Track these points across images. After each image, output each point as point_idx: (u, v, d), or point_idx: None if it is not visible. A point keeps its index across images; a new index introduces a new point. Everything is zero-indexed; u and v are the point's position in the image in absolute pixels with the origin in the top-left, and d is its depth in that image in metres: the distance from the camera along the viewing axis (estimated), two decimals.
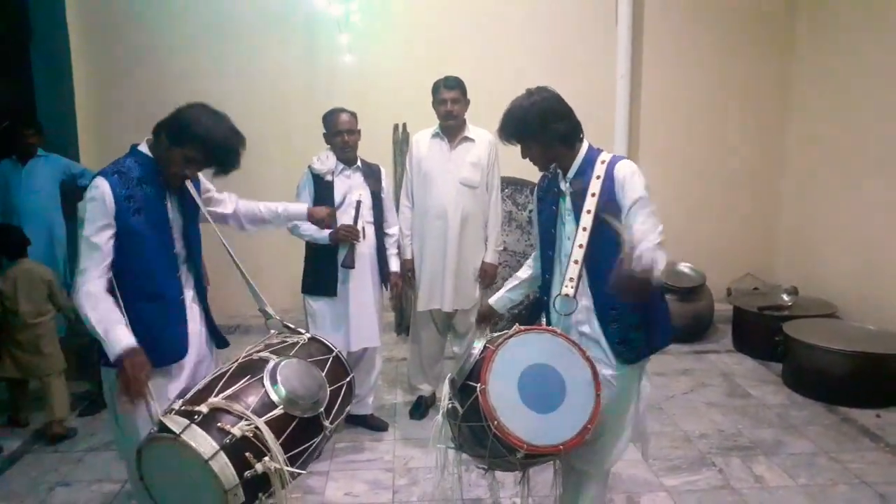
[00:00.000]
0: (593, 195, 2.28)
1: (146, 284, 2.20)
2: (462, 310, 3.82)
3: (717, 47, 5.64)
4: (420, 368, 4.00)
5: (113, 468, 3.42)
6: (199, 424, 1.85)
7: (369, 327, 3.62)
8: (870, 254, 4.78)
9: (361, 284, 3.57)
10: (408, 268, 3.85)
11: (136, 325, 2.10)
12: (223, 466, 1.81)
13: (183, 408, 1.93)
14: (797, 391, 4.27)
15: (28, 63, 5.26)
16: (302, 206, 2.99)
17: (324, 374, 2.19)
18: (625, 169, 2.28)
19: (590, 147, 2.38)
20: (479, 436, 2.09)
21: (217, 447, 1.81)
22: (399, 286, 3.81)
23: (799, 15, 5.59)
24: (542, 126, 2.27)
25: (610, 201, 2.26)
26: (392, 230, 3.76)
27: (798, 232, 5.69)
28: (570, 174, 2.36)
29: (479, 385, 2.04)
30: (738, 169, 5.82)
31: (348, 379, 2.31)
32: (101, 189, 2.09)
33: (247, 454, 1.86)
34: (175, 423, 1.86)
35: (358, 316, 3.56)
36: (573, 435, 2.05)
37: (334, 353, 2.32)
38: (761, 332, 4.83)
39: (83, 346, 4.64)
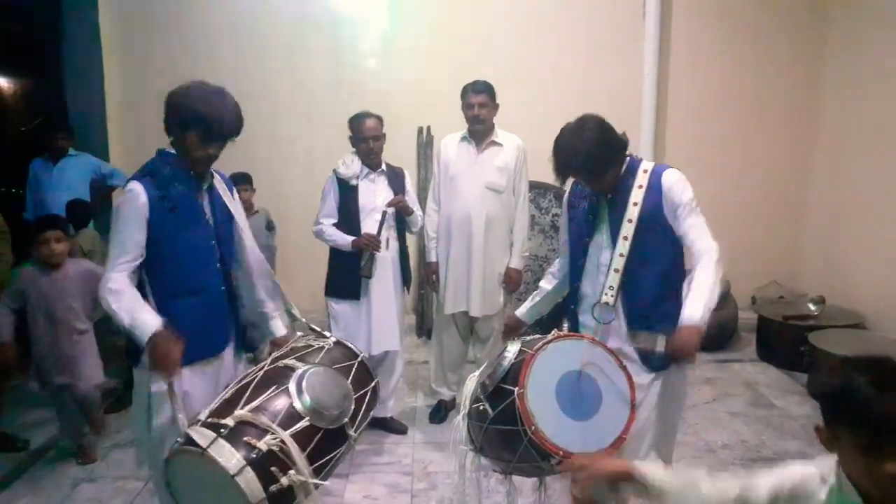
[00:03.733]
0: (635, 204, 2.28)
1: (188, 279, 2.25)
2: (485, 315, 3.81)
3: (745, 48, 5.57)
4: (441, 372, 4.00)
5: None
6: (226, 438, 1.85)
7: (391, 331, 3.64)
8: None
9: (384, 288, 3.58)
10: (432, 270, 3.86)
11: (180, 321, 2.15)
12: (249, 482, 1.80)
13: (209, 420, 1.93)
14: None
15: (59, 63, 5.35)
16: (278, 328, 2.57)
17: (349, 381, 2.17)
18: (673, 176, 2.31)
19: (631, 156, 2.37)
20: (509, 440, 2.06)
21: (244, 462, 1.81)
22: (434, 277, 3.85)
23: (830, 16, 5.50)
24: (612, 158, 2.27)
25: (654, 211, 2.27)
26: (415, 219, 3.72)
27: (825, 239, 5.60)
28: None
29: (517, 389, 2.01)
30: (765, 174, 5.75)
31: (373, 384, 2.29)
32: (135, 192, 2.15)
33: (272, 468, 1.85)
34: (202, 436, 1.86)
35: (379, 319, 3.58)
36: (608, 444, 2.03)
37: (359, 359, 2.30)
38: (786, 341, 4.76)
39: (113, 343, 4.72)
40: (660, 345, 2.20)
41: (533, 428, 1.96)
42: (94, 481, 3.36)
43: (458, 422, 2.28)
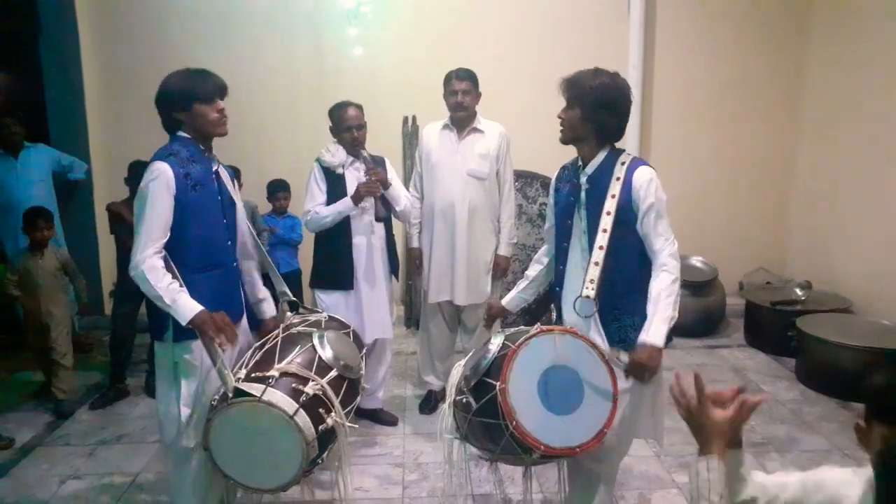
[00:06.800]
0: (613, 197, 2.27)
1: (207, 254, 2.37)
2: (471, 304, 3.79)
3: (729, 38, 5.56)
4: (430, 362, 3.98)
5: (124, 461, 3.44)
6: (274, 387, 2.09)
7: (382, 318, 3.61)
8: (885, 247, 4.72)
9: (373, 276, 3.55)
10: (414, 256, 3.85)
11: (199, 294, 2.24)
12: (305, 421, 2.05)
13: (253, 374, 2.16)
14: (810, 387, 4.23)
15: (37, 58, 5.26)
16: (270, 309, 2.73)
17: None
18: (643, 175, 2.27)
19: (613, 147, 2.36)
20: (492, 432, 2.07)
21: (297, 405, 2.05)
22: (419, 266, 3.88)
23: (814, 5, 5.51)
24: (598, 114, 2.26)
25: (627, 206, 2.27)
26: (401, 204, 3.62)
27: (811, 225, 5.62)
28: (590, 170, 2.34)
29: (498, 384, 2.02)
30: (751, 161, 5.75)
31: (365, 350, 2.66)
32: (162, 170, 2.23)
33: (320, 410, 2.12)
34: (252, 388, 2.08)
35: (370, 308, 3.55)
36: (590, 438, 2.04)
37: (351, 328, 2.69)
38: (774, 326, 4.79)
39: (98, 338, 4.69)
40: (622, 360, 2.27)
41: (514, 423, 1.97)
42: (81, 478, 3.32)
43: (445, 410, 2.31)
